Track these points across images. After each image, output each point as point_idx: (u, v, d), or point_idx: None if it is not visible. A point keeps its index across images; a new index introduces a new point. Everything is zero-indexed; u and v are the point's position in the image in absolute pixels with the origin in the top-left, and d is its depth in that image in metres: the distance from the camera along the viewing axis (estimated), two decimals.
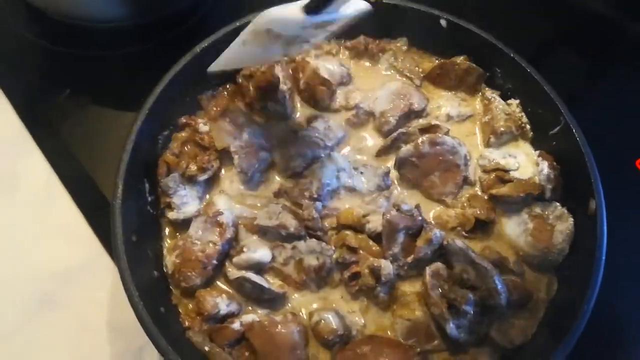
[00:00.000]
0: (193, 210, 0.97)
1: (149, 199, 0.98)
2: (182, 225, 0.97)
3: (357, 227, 0.96)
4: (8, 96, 1.23)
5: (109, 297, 1.03)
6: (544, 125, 1.05)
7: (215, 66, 0.97)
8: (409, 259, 0.93)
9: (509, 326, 0.91)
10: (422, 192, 1.04)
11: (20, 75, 1.28)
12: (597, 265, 0.88)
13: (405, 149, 1.04)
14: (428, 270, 0.92)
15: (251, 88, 1.05)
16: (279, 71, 1.05)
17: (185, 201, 0.97)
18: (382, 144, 1.06)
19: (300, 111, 1.11)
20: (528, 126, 1.08)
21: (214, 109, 1.07)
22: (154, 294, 0.88)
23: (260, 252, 0.93)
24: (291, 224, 0.94)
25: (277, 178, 1.03)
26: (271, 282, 0.94)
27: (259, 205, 1.00)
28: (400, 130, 1.06)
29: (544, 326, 0.92)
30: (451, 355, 0.90)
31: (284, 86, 1.05)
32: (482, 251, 0.96)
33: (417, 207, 0.96)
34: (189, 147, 1.03)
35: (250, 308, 0.92)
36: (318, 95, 1.09)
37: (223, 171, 1.03)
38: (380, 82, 1.13)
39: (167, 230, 0.99)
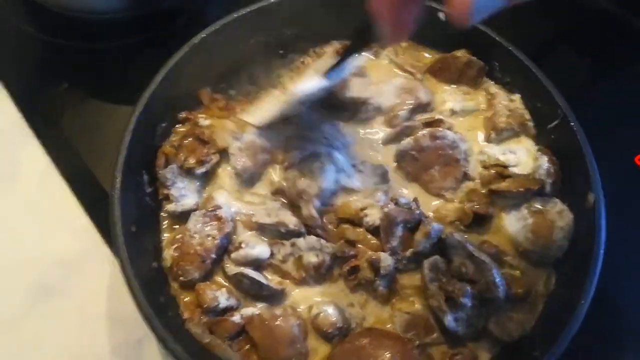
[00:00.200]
0: (191, 203, 0.97)
1: (148, 190, 0.98)
2: (181, 218, 0.97)
3: (355, 221, 0.96)
4: (7, 87, 1.22)
5: (107, 288, 1.02)
6: (543, 119, 1.05)
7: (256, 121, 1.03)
8: (408, 253, 0.93)
9: (508, 320, 0.91)
10: (422, 186, 1.04)
11: (19, 67, 1.28)
12: (595, 259, 0.88)
13: (406, 142, 1.04)
14: (426, 264, 0.92)
15: None
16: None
17: (184, 194, 0.97)
18: (386, 136, 1.07)
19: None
20: (530, 123, 1.08)
21: (218, 106, 1.07)
22: (153, 284, 0.88)
23: (258, 248, 0.93)
24: (290, 220, 0.94)
25: (275, 178, 1.02)
26: (270, 279, 0.93)
27: (257, 202, 0.99)
28: (405, 123, 1.06)
29: (542, 320, 0.92)
30: (450, 349, 0.90)
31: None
32: (481, 245, 0.96)
33: (415, 200, 0.96)
34: (188, 140, 1.03)
35: (249, 303, 0.92)
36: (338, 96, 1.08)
37: (222, 167, 1.02)
38: (386, 75, 1.14)
39: (165, 223, 0.98)
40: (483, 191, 1.02)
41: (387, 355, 0.86)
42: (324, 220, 0.97)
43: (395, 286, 0.94)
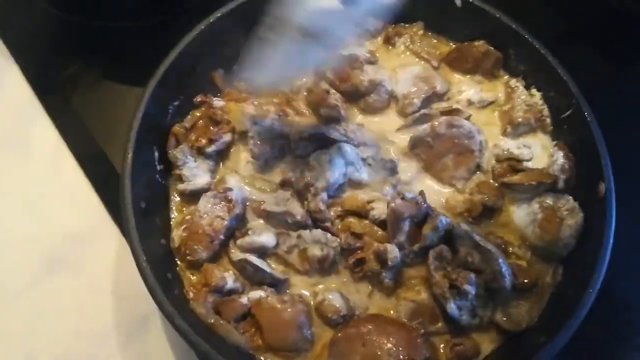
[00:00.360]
0: (202, 182, 0.97)
1: (158, 167, 0.98)
2: (191, 198, 0.98)
3: (362, 213, 0.95)
4: (20, 64, 1.23)
5: (114, 265, 1.03)
6: (557, 108, 1.04)
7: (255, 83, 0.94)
8: (415, 247, 0.92)
9: (514, 310, 0.91)
10: (433, 175, 1.03)
11: (33, 44, 1.28)
12: (605, 247, 0.88)
13: (422, 128, 1.03)
14: (432, 252, 0.91)
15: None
16: (324, 85, 1.06)
17: (195, 173, 0.98)
18: (403, 123, 1.06)
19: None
20: (548, 119, 1.07)
21: (240, 90, 1.07)
22: (160, 261, 0.88)
23: (264, 236, 0.93)
24: (298, 211, 0.94)
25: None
26: (274, 268, 0.93)
27: (268, 190, 0.99)
28: (423, 111, 1.06)
29: (549, 308, 0.92)
30: (453, 338, 0.90)
31: (333, 97, 1.05)
32: (486, 237, 0.95)
33: (422, 193, 0.95)
34: (202, 122, 1.03)
35: (255, 288, 0.92)
36: (352, 79, 1.08)
37: (238, 150, 1.03)
38: (400, 64, 1.13)
39: (174, 204, 0.99)
40: (494, 184, 1.02)
41: (392, 342, 0.86)
42: (331, 213, 0.97)
43: (401, 278, 0.93)
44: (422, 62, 1.14)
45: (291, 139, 1.01)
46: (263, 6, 1.05)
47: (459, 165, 1.03)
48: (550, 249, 0.95)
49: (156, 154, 0.98)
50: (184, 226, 0.94)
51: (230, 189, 0.95)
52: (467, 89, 1.11)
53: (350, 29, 0.88)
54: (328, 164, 0.97)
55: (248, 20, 1.06)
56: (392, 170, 1.01)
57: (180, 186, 0.97)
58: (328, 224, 0.94)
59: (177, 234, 0.94)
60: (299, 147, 1.01)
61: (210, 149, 0.99)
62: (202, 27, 1.02)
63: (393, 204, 0.92)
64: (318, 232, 0.92)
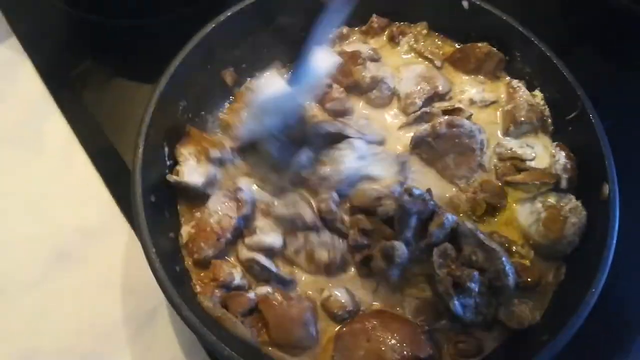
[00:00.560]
0: (193, 182, 0.97)
1: (168, 163, 0.99)
2: (195, 200, 0.99)
3: (370, 210, 0.96)
4: (33, 60, 1.25)
5: (124, 259, 1.05)
6: (561, 110, 1.05)
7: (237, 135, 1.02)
8: (422, 244, 0.93)
9: (518, 308, 0.91)
10: (437, 172, 1.05)
11: (46, 41, 1.30)
12: (608, 247, 0.88)
13: (423, 128, 1.04)
14: (435, 250, 0.92)
15: None
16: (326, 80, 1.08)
17: (192, 172, 0.98)
18: (405, 121, 1.08)
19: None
20: (549, 120, 1.08)
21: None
22: (169, 254, 0.89)
23: (272, 236, 0.94)
24: (307, 214, 0.94)
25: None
26: (281, 269, 0.94)
27: (278, 192, 1.00)
28: (424, 109, 1.07)
29: (551, 307, 0.93)
30: (455, 335, 0.91)
31: (336, 90, 1.07)
32: (490, 235, 0.96)
33: (429, 191, 0.96)
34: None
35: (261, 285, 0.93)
36: (354, 75, 1.09)
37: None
38: (403, 63, 1.15)
39: (181, 203, 1.00)
40: (497, 183, 1.03)
41: (396, 338, 0.87)
42: (341, 213, 0.97)
43: (406, 274, 0.94)
44: (425, 61, 1.16)
45: (307, 134, 1.02)
46: (273, 5, 1.08)
47: (460, 164, 1.04)
48: (554, 247, 0.96)
49: (166, 149, 0.99)
50: (193, 223, 0.95)
51: (240, 189, 0.96)
52: (469, 88, 1.13)
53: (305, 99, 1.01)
54: (341, 159, 0.98)
55: (258, 20, 1.09)
56: (404, 164, 1.02)
57: (168, 176, 0.97)
58: (340, 225, 0.95)
59: (185, 231, 0.95)
60: (313, 142, 1.01)
61: (215, 154, 0.99)
62: (213, 25, 1.03)
63: (401, 201, 0.93)
64: (326, 235, 0.93)
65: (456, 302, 0.88)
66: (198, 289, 0.90)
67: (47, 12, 1.33)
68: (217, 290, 0.89)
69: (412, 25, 1.17)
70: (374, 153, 1.02)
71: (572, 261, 0.96)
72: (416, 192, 0.94)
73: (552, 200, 0.99)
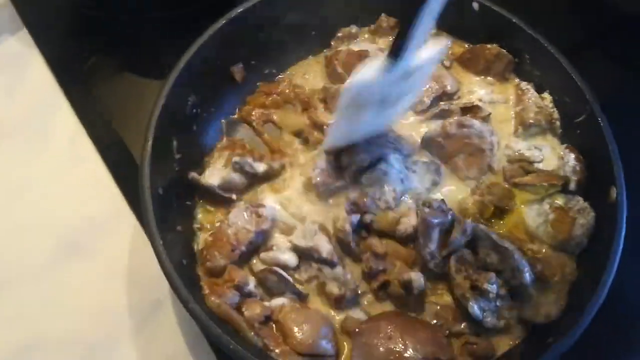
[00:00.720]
0: (209, 182, 0.98)
1: (177, 156, 0.99)
2: (217, 203, 1.00)
3: (389, 232, 0.95)
4: (43, 53, 1.25)
5: (130, 250, 1.05)
6: (570, 113, 1.05)
7: (327, 145, 1.00)
8: (444, 252, 0.92)
9: (541, 302, 0.91)
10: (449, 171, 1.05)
11: (57, 34, 1.31)
12: (615, 251, 0.88)
13: (433, 128, 1.05)
14: (453, 256, 0.92)
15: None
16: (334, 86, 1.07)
17: (214, 174, 0.99)
18: (423, 117, 1.08)
19: None
20: (558, 122, 1.08)
21: (265, 96, 1.10)
22: (176, 246, 0.89)
23: (288, 255, 0.93)
24: (324, 248, 0.92)
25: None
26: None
27: (298, 215, 0.99)
28: (442, 107, 1.07)
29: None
30: (468, 338, 0.90)
31: None
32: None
33: (443, 201, 0.96)
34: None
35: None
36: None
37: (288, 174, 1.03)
38: None
39: (200, 205, 1.00)
40: (504, 185, 1.03)
41: (418, 338, 0.86)
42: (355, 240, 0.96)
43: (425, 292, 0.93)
44: None
45: (350, 168, 1.00)
46: (283, 3, 1.09)
47: (470, 165, 1.04)
48: (563, 248, 0.96)
49: (174, 143, 0.99)
50: (211, 231, 0.95)
51: (262, 206, 0.96)
52: (478, 89, 1.13)
53: (404, 90, 0.92)
54: (384, 177, 0.98)
55: (268, 17, 1.09)
56: (437, 171, 1.02)
57: (190, 173, 0.98)
58: (354, 247, 0.94)
59: (202, 238, 0.96)
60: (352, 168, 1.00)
61: (235, 159, 0.99)
62: (224, 21, 1.04)
63: (423, 214, 0.92)
64: (339, 271, 0.92)
65: (474, 305, 0.88)
66: (206, 290, 0.89)
67: (57, 5, 1.34)
68: (230, 292, 0.88)
69: None
70: (406, 166, 1.02)
71: (579, 262, 0.96)
72: (435, 204, 0.94)
73: (560, 201, 1.00)
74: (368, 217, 0.96)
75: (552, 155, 1.05)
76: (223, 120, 1.09)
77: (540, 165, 1.03)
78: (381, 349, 0.85)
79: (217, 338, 0.80)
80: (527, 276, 0.90)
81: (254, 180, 1.02)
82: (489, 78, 1.14)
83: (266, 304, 0.89)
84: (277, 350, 0.85)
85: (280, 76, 1.16)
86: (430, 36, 1.14)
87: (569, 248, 0.96)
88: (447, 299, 0.93)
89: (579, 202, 0.99)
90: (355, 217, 0.95)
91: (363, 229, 0.96)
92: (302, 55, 1.17)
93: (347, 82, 0.88)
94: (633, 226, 0.92)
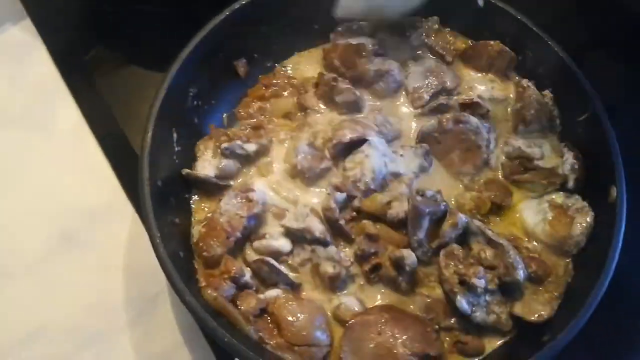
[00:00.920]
0: (204, 174, 0.98)
1: (176, 149, 1.00)
2: (209, 195, 0.99)
3: (380, 215, 0.95)
4: (46, 43, 1.25)
5: (127, 243, 1.05)
6: (572, 112, 1.05)
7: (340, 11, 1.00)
8: (434, 244, 0.93)
9: (533, 301, 0.91)
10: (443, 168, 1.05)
11: (60, 25, 1.30)
12: (613, 251, 0.88)
13: (429, 124, 1.04)
14: (443, 251, 0.92)
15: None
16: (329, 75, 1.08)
17: (205, 166, 0.99)
18: (420, 111, 1.08)
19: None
20: (558, 120, 1.08)
21: (264, 88, 1.10)
22: (173, 238, 0.89)
23: (281, 241, 0.94)
24: (317, 228, 0.93)
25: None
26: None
27: (290, 201, 0.99)
28: (442, 101, 1.07)
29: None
30: (458, 335, 0.90)
31: (341, 83, 1.06)
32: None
33: (439, 192, 0.96)
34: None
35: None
36: (359, 67, 1.09)
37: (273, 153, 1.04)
38: (413, 57, 1.14)
39: (194, 200, 1.00)
40: (502, 181, 1.03)
41: (408, 333, 0.87)
42: (344, 218, 0.96)
43: (417, 277, 0.94)
44: (436, 56, 1.15)
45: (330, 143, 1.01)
46: None
47: (465, 161, 1.04)
48: (561, 247, 0.96)
49: (175, 135, 0.99)
50: (204, 222, 0.95)
51: (252, 190, 0.96)
52: (478, 85, 1.12)
53: None
54: (366, 159, 0.98)
55: (271, 10, 1.09)
56: (426, 155, 1.02)
57: (183, 170, 0.98)
58: (343, 226, 0.94)
59: (196, 230, 0.96)
60: (335, 151, 1.01)
61: (224, 145, 0.99)
62: (227, 14, 1.03)
63: (414, 201, 0.92)
64: (332, 250, 0.92)
65: (462, 300, 0.88)
66: (203, 283, 0.89)
67: None
68: (226, 284, 0.88)
69: (424, 19, 1.16)
70: (393, 151, 1.02)
71: (577, 261, 0.96)
72: (429, 193, 0.94)
73: (558, 200, 1.00)
74: (357, 201, 0.97)
75: (551, 153, 1.04)
76: (225, 115, 1.09)
77: (540, 163, 1.03)
78: (371, 344, 0.86)
79: (213, 331, 0.80)
80: (521, 273, 0.89)
81: (247, 161, 1.02)
82: (490, 75, 1.13)
83: (261, 296, 0.89)
84: (272, 343, 0.85)
85: (279, 68, 1.15)
86: (432, 30, 1.15)
87: (567, 247, 0.96)
88: (438, 291, 0.93)
89: (578, 201, 0.99)
90: (341, 196, 0.95)
91: (353, 211, 0.97)
92: (303, 48, 1.16)
93: None
94: (635, 223, 0.91)
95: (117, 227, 1.06)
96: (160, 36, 1.24)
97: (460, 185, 1.03)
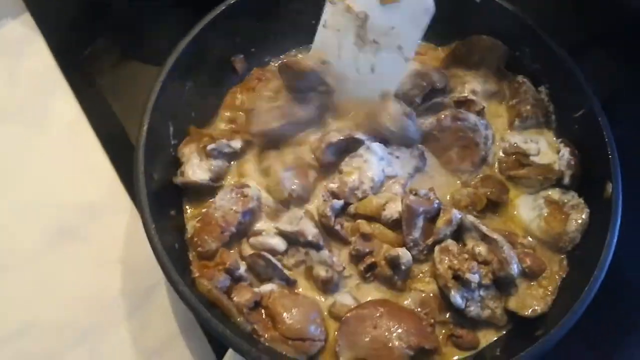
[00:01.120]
0: (198, 178, 0.97)
1: (172, 142, 1.00)
2: (198, 197, 0.99)
3: (375, 217, 0.96)
4: (45, 36, 1.26)
5: (124, 237, 1.06)
6: (568, 108, 1.05)
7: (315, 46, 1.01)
8: (429, 241, 0.93)
9: (528, 296, 0.91)
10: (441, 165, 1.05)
11: (59, 19, 1.30)
12: (608, 248, 0.88)
13: (428, 122, 1.04)
14: (437, 247, 0.93)
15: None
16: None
17: (196, 170, 0.98)
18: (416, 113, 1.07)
19: None
20: (554, 116, 1.08)
21: (255, 81, 1.09)
22: (169, 231, 0.90)
23: (277, 239, 0.94)
24: (310, 232, 0.93)
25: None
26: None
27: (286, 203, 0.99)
28: (436, 99, 1.06)
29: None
30: (453, 329, 0.91)
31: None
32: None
33: (432, 190, 0.97)
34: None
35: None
36: None
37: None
38: None
39: (186, 205, 1.00)
40: (499, 177, 1.04)
41: (403, 327, 0.87)
42: (339, 223, 0.96)
43: (412, 274, 0.94)
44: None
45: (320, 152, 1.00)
46: None
47: (463, 158, 1.04)
48: (555, 243, 0.96)
49: (171, 128, 1.00)
50: (199, 218, 0.95)
51: (247, 186, 0.96)
52: (472, 83, 1.11)
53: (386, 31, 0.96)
54: (365, 164, 0.98)
55: (267, 5, 1.09)
56: (422, 156, 1.02)
57: (174, 178, 0.97)
58: (338, 229, 0.95)
59: (191, 225, 0.96)
60: (325, 155, 1.00)
61: (210, 146, 0.99)
62: (223, 8, 1.03)
63: (408, 201, 0.93)
64: (325, 254, 0.92)
65: (456, 295, 0.89)
66: (196, 274, 0.90)
67: None
68: (220, 275, 0.88)
69: None
70: (389, 152, 1.02)
71: (572, 257, 0.96)
72: (422, 192, 0.95)
73: (554, 196, 1.00)
74: (352, 208, 0.97)
75: (548, 150, 1.04)
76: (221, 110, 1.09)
77: (536, 159, 1.03)
78: (366, 338, 0.86)
79: (207, 321, 0.80)
80: (515, 267, 0.90)
81: (234, 158, 1.02)
82: (483, 70, 1.13)
83: (255, 290, 0.90)
84: (266, 335, 0.86)
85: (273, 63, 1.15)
86: None
87: (561, 243, 0.96)
88: (433, 287, 0.93)
89: (574, 197, 0.99)
90: (338, 203, 0.95)
91: (348, 216, 0.97)
92: (300, 43, 1.16)
93: None
94: (630, 219, 0.91)
95: (114, 222, 1.07)
96: (160, 31, 1.25)
97: (458, 183, 1.04)
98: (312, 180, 1.00)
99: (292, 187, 0.97)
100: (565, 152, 1.01)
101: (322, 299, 0.93)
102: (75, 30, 1.30)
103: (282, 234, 0.94)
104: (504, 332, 0.92)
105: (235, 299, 0.87)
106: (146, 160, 0.90)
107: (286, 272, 0.93)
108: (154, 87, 0.95)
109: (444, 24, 1.03)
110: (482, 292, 0.90)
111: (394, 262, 0.91)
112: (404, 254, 0.91)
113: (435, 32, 1.04)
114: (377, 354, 0.86)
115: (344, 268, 0.94)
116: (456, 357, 0.90)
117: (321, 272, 0.91)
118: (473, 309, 0.90)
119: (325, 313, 0.91)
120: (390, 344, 0.86)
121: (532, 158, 1.03)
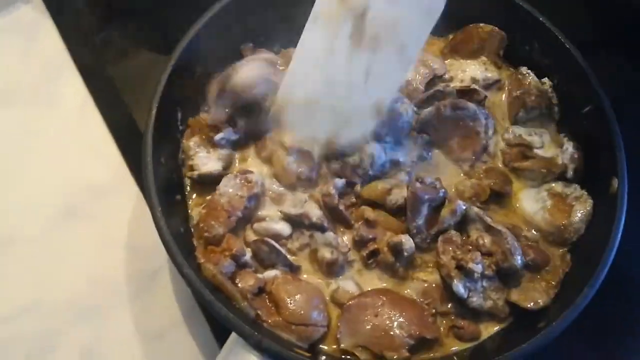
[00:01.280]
0: (211, 168, 0.98)
1: (180, 127, 1.01)
2: (204, 188, 0.99)
3: (379, 202, 0.96)
4: (56, 22, 1.26)
5: (130, 219, 1.06)
6: (576, 104, 1.05)
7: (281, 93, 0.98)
8: (432, 231, 0.94)
9: (531, 288, 0.92)
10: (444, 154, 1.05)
11: (71, 4, 1.30)
12: (612, 242, 0.88)
13: (427, 111, 1.04)
14: (441, 237, 0.93)
15: None
16: None
17: (206, 162, 0.98)
18: (417, 101, 1.07)
19: None
20: (557, 108, 1.08)
21: None
22: (174, 215, 0.90)
23: (281, 224, 0.94)
24: (315, 214, 0.93)
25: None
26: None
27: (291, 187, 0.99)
28: (437, 88, 1.06)
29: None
30: (455, 320, 0.91)
31: None
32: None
33: (438, 179, 0.97)
34: None
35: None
36: None
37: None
38: None
39: (191, 198, 0.99)
40: (502, 169, 1.04)
41: (404, 316, 0.87)
42: (344, 204, 0.97)
43: (414, 263, 0.94)
44: None
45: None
46: None
47: (464, 147, 1.04)
48: (561, 235, 0.96)
49: (179, 114, 1.00)
50: (204, 204, 0.95)
51: (251, 172, 0.97)
52: (470, 68, 1.12)
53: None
54: (366, 146, 0.98)
55: None
56: (426, 146, 1.03)
57: (189, 173, 0.98)
58: (343, 211, 0.95)
59: (196, 212, 0.96)
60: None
61: (218, 136, 0.99)
62: None
63: (413, 188, 0.93)
64: (330, 236, 0.93)
65: (459, 284, 0.89)
66: (201, 259, 0.89)
67: None
68: (226, 260, 0.88)
69: None
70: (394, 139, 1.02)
71: (576, 252, 0.96)
72: (428, 180, 0.95)
73: (557, 189, 1.00)
74: (357, 188, 0.97)
75: (551, 143, 1.05)
76: None
77: (540, 152, 1.03)
78: (367, 326, 0.87)
79: (210, 304, 0.81)
80: (519, 259, 0.90)
81: (239, 145, 1.03)
82: (482, 57, 1.13)
83: (259, 275, 0.90)
84: (269, 321, 0.86)
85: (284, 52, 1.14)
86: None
87: (566, 234, 0.96)
88: (436, 277, 0.93)
89: (577, 189, 0.99)
90: (340, 181, 0.96)
91: (353, 196, 0.97)
92: None
93: None
94: (635, 214, 0.92)
95: (120, 205, 1.07)
96: (170, 19, 1.24)
97: (461, 173, 1.04)
98: (317, 159, 0.99)
99: (299, 170, 0.98)
100: (569, 146, 1.01)
101: (326, 285, 0.93)
102: (87, 16, 1.31)
103: (286, 217, 0.94)
104: (506, 325, 0.92)
105: (239, 284, 0.88)
106: (154, 144, 0.90)
107: (290, 257, 0.93)
108: (163, 73, 0.96)
109: (447, 16, 1.00)
110: (484, 283, 0.90)
111: (396, 249, 0.91)
112: (407, 241, 0.91)
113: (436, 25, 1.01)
114: (378, 342, 0.86)
115: (350, 249, 0.94)
116: (455, 348, 0.90)
117: (326, 254, 0.92)
118: (475, 300, 0.90)
119: (327, 299, 0.91)
120: (392, 333, 0.86)
121: (535, 151, 1.03)
